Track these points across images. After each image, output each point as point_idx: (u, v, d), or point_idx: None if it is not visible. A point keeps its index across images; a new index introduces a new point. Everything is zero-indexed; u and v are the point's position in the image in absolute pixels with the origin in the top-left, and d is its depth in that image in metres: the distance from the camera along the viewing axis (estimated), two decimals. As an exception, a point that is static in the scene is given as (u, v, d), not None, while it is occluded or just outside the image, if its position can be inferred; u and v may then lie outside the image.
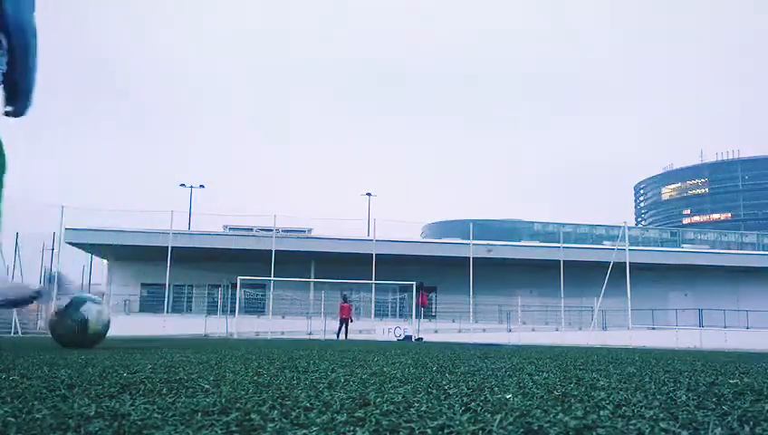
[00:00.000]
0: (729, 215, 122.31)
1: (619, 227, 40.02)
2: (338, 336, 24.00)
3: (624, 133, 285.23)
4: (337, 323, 25.37)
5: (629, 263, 30.86)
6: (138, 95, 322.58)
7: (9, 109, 2.79)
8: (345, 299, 25.68)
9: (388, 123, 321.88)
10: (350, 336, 24.33)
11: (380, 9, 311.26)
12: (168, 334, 26.94)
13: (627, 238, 33.48)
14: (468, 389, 1.58)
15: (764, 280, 39.03)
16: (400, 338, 26.56)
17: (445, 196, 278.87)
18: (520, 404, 1.26)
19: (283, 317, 32.45)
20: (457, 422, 1.04)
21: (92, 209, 39.88)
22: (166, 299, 31.48)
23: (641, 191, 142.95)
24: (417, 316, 29.00)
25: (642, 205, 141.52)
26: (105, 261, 37.82)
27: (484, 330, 32.66)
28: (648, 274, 36.81)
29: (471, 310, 33.05)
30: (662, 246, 63.92)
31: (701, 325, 34.26)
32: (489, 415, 1.12)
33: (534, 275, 36.60)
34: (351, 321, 25.24)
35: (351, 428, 0.98)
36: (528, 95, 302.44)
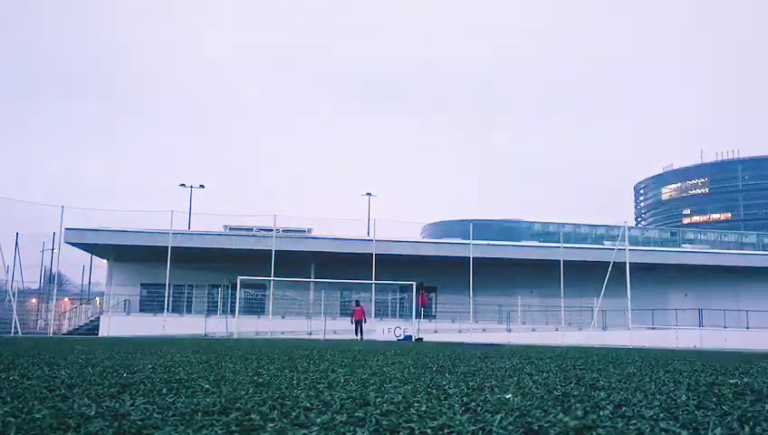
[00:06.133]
0: (729, 215, 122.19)
1: (619, 227, 40.03)
2: (356, 336, 26.06)
3: (624, 133, 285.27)
4: (351, 325, 27.72)
5: (629, 263, 30.84)
6: (138, 95, 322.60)
7: None
8: (357, 303, 28.35)
9: (389, 123, 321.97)
10: (348, 336, 24.84)
11: (380, 10, 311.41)
12: (167, 334, 26.93)
13: (627, 238, 33.47)
14: (468, 389, 1.57)
15: (764, 280, 39.01)
16: (400, 338, 26.56)
17: (445, 196, 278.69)
18: (520, 404, 1.25)
19: (283, 317, 32.44)
20: (457, 422, 1.03)
21: (92, 209, 39.81)
22: (166, 299, 31.45)
23: (641, 191, 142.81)
24: (417, 316, 28.99)
25: (642, 205, 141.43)
26: (105, 261, 37.80)
27: (484, 330, 32.63)
28: (648, 274, 36.77)
29: (471, 310, 33.03)
30: (662, 246, 63.88)
31: (701, 325, 34.25)
32: (489, 415, 1.12)
33: (534, 275, 36.56)
34: (365, 322, 27.47)
35: (351, 428, 0.97)
36: (528, 95, 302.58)
